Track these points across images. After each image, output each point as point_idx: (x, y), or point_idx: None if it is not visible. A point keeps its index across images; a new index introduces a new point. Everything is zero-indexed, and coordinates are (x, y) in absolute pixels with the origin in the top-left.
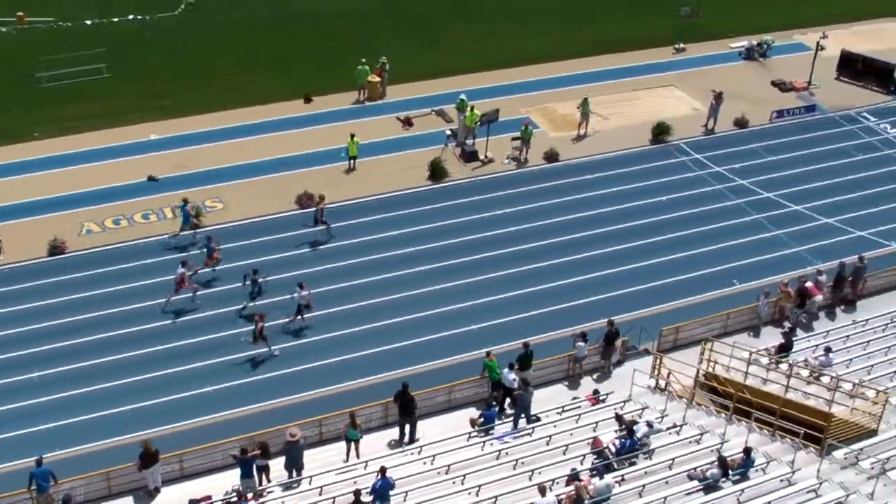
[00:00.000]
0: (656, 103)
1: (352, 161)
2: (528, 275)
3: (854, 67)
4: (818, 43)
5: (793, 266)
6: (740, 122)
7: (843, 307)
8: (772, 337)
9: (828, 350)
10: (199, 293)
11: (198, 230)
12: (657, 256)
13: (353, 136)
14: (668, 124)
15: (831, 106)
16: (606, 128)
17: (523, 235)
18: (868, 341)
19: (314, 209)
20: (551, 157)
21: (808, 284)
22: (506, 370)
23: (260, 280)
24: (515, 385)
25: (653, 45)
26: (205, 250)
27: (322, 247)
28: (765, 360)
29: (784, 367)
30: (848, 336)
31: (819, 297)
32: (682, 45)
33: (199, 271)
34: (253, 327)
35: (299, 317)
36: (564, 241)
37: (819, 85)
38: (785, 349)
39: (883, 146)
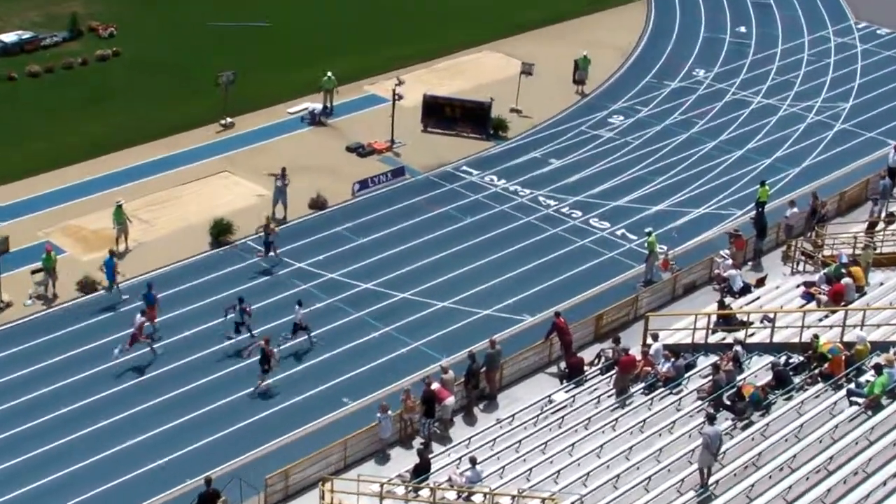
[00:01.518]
0: (211, 196)
1: None
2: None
3: (442, 113)
4: (394, 91)
5: (413, 365)
6: (317, 203)
7: (481, 405)
8: (404, 458)
9: (473, 462)
10: (155, 345)
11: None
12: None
13: None
14: (228, 221)
15: (423, 165)
16: (151, 237)
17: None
18: (519, 441)
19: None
20: (86, 286)
21: (434, 386)
22: None
23: (248, 308)
24: None
25: (195, 125)
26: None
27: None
28: (401, 490)
29: (425, 493)
30: (494, 440)
31: (450, 400)
32: (229, 120)
33: (145, 324)
34: (258, 357)
35: (302, 336)
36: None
37: (404, 142)
38: (422, 470)
39: (493, 202)
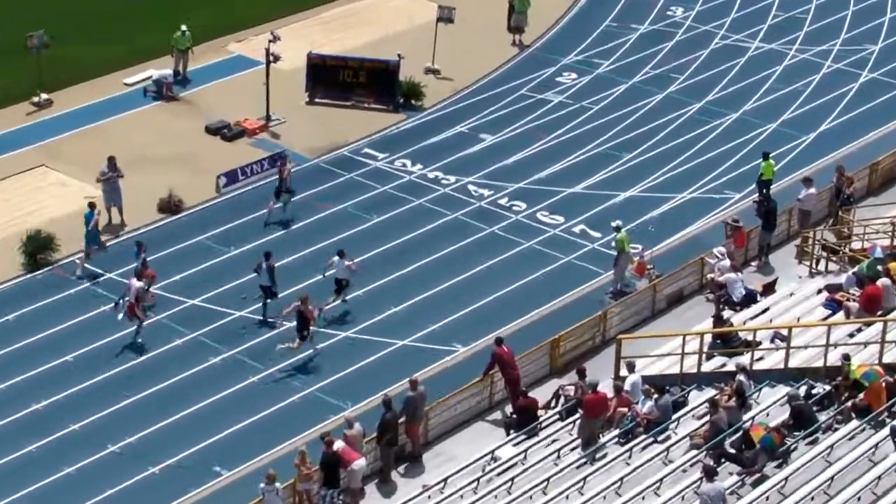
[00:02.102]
0: (23, 200)
1: None
2: None
3: (334, 78)
4: (268, 50)
5: (308, 417)
6: (169, 205)
7: (401, 468)
8: None
9: None
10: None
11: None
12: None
13: None
14: (48, 234)
15: (311, 148)
16: None
17: None
18: None
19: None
20: None
21: (337, 445)
22: None
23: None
24: None
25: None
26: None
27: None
28: None
29: None
30: None
31: (359, 463)
32: (44, 97)
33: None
34: (296, 323)
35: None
36: None
37: (284, 118)
38: None
39: (407, 194)
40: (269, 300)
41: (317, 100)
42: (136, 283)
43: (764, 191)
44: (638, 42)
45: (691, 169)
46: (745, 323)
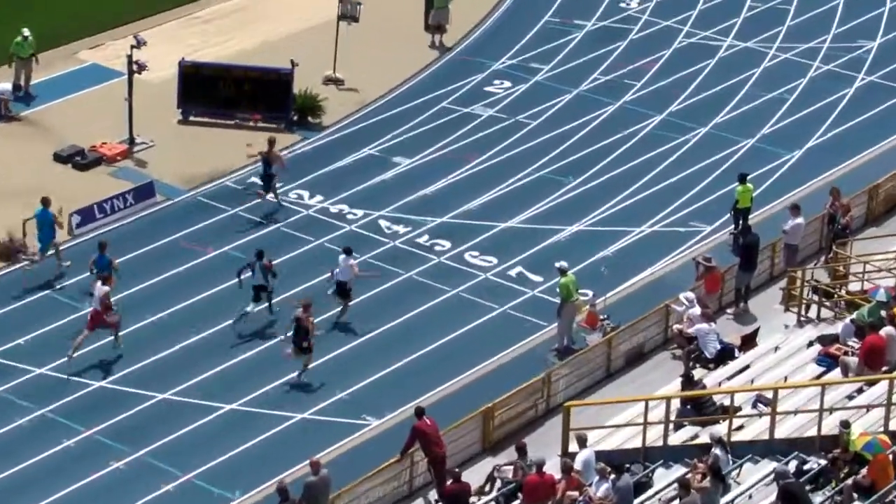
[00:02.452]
0: None
1: None
2: None
3: (212, 91)
4: (130, 58)
5: None
6: (9, 250)
7: None
8: None
9: None
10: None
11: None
12: None
13: None
14: None
15: (185, 177)
16: None
17: None
18: None
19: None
20: None
21: None
22: None
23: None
24: None
25: None
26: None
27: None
28: None
29: None
30: None
31: None
32: None
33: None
34: (290, 333)
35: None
36: None
37: (151, 141)
38: None
39: (303, 232)
40: (263, 302)
41: (192, 118)
42: (103, 288)
43: (741, 221)
44: (585, 42)
45: (652, 197)
46: (720, 384)
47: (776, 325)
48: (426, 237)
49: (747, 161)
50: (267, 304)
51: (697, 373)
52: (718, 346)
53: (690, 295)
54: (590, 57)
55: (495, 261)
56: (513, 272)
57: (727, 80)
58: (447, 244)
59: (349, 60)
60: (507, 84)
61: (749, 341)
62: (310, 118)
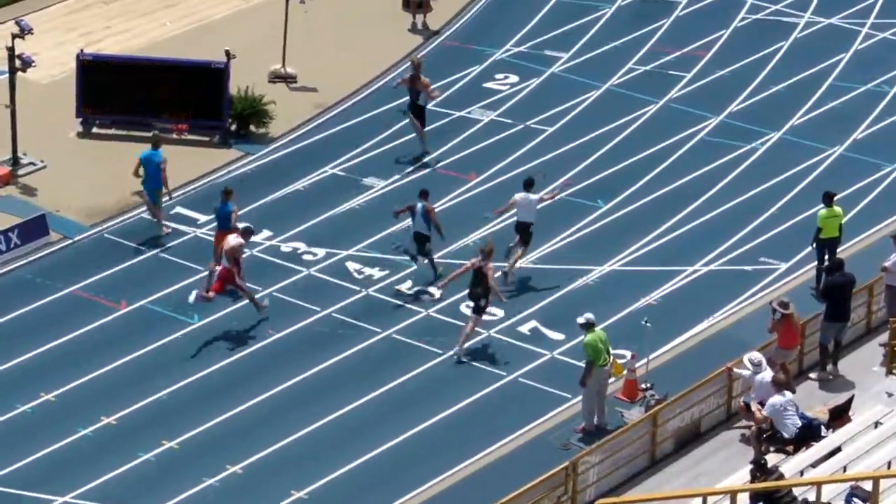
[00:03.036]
0: None
1: None
2: None
3: (121, 92)
4: (11, 51)
5: None
6: None
7: None
8: None
9: None
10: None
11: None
12: None
13: None
14: None
15: (87, 209)
16: None
17: None
18: None
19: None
20: None
21: None
22: None
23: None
24: None
25: None
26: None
27: None
28: None
29: None
30: None
31: None
32: None
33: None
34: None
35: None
36: None
37: (43, 161)
38: None
39: (251, 279)
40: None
41: (95, 129)
42: (234, 241)
43: (827, 256)
44: (616, 21)
45: (708, 225)
46: (802, 473)
47: (876, 392)
48: (409, 283)
49: (834, 176)
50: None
51: (771, 458)
52: (799, 423)
53: (758, 356)
54: (623, 41)
55: (501, 313)
56: (525, 328)
57: (805, 68)
58: (437, 292)
59: (303, 50)
60: (514, 79)
61: (840, 415)
62: (252, 127)
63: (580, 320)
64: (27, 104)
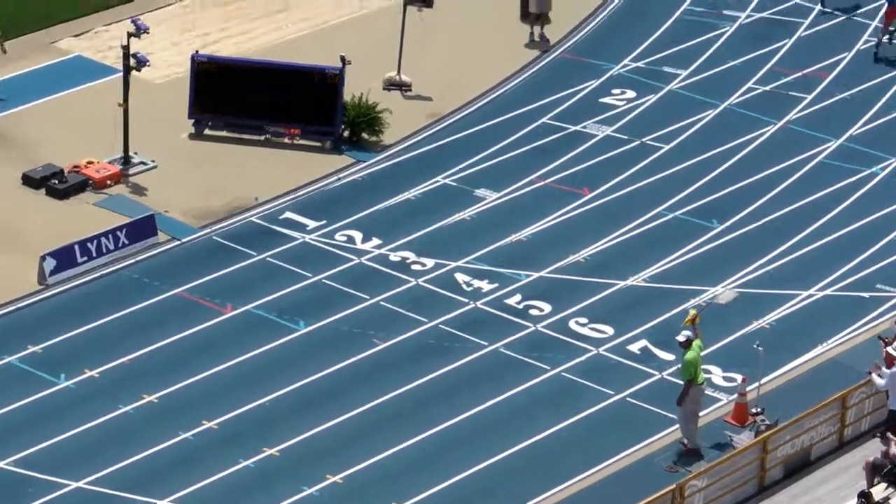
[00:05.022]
0: None
1: None
2: None
3: (238, 96)
4: (127, 50)
5: None
6: None
7: None
8: None
9: None
10: None
11: None
12: None
13: None
14: None
15: (197, 211)
16: None
17: None
18: None
19: None
20: None
21: None
22: None
23: None
24: None
25: None
26: None
27: None
28: None
29: None
30: None
31: None
32: None
33: None
34: None
35: None
36: None
37: (154, 161)
38: None
39: (358, 288)
40: None
41: (208, 131)
42: None
43: None
44: (736, 39)
45: (825, 249)
46: None
47: None
48: (518, 297)
49: None
50: None
51: (878, 492)
52: None
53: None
54: (743, 60)
55: (611, 331)
56: (634, 347)
57: None
58: (546, 307)
59: (419, 59)
60: (630, 94)
61: None
62: (365, 135)
63: (679, 338)
64: (140, 104)
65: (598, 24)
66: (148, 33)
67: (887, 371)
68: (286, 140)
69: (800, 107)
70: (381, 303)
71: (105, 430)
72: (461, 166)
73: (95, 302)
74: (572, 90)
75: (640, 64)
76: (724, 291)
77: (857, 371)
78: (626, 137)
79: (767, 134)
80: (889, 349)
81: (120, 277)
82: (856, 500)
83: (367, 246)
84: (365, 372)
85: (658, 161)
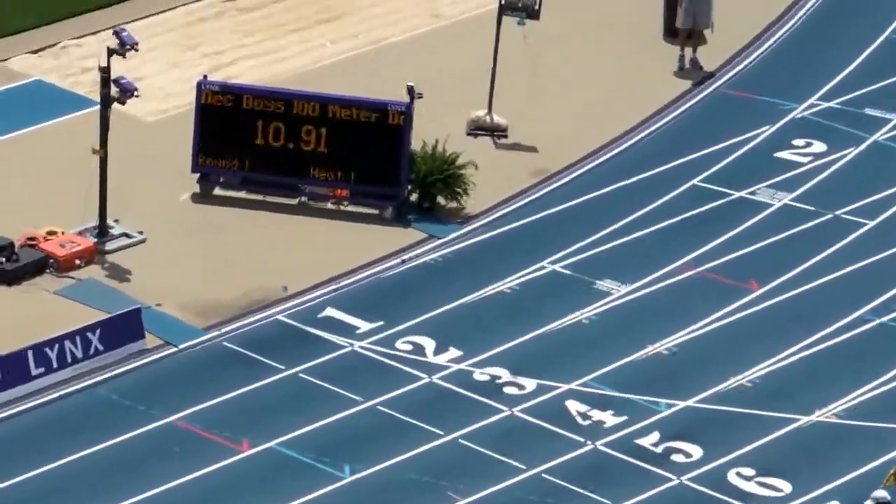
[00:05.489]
0: None
1: None
2: None
3: (260, 140)
4: (106, 73)
5: None
6: None
7: None
8: None
9: None
10: None
11: None
12: None
13: None
14: None
15: (205, 306)
16: None
17: None
18: None
19: None
20: None
21: None
22: None
23: None
24: None
25: None
26: None
27: None
28: None
29: None
30: None
31: None
32: None
33: None
34: None
35: None
36: None
37: (143, 233)
38: None
39: (431, 417)
40: None
41: (217, 191)
42: None
43: None
44: None
45: None
46: None
47: None
48: (656, 436)
49: None
50: None
51: None
52: None
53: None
54: None
55: (788, 488)
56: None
57: None
58: (696, 452)
59: (519, 92)
60: (819, 147)
61: None
62: (441, 199)
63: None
64: (124, 150)
65: (773, 46)
66: (136, 50)
67: None
68: (329, 205)
69: None
70: (461, 440)
71: None
72: (576, 247)
73: (56, 433)
74: (736, 140)
75: (832, 104)
76: None
77: None
78: (812, 209)
79: None
80: None
81: (92, 398)
82: None
83: (442, 359)
84: None
85: (858, 243)
